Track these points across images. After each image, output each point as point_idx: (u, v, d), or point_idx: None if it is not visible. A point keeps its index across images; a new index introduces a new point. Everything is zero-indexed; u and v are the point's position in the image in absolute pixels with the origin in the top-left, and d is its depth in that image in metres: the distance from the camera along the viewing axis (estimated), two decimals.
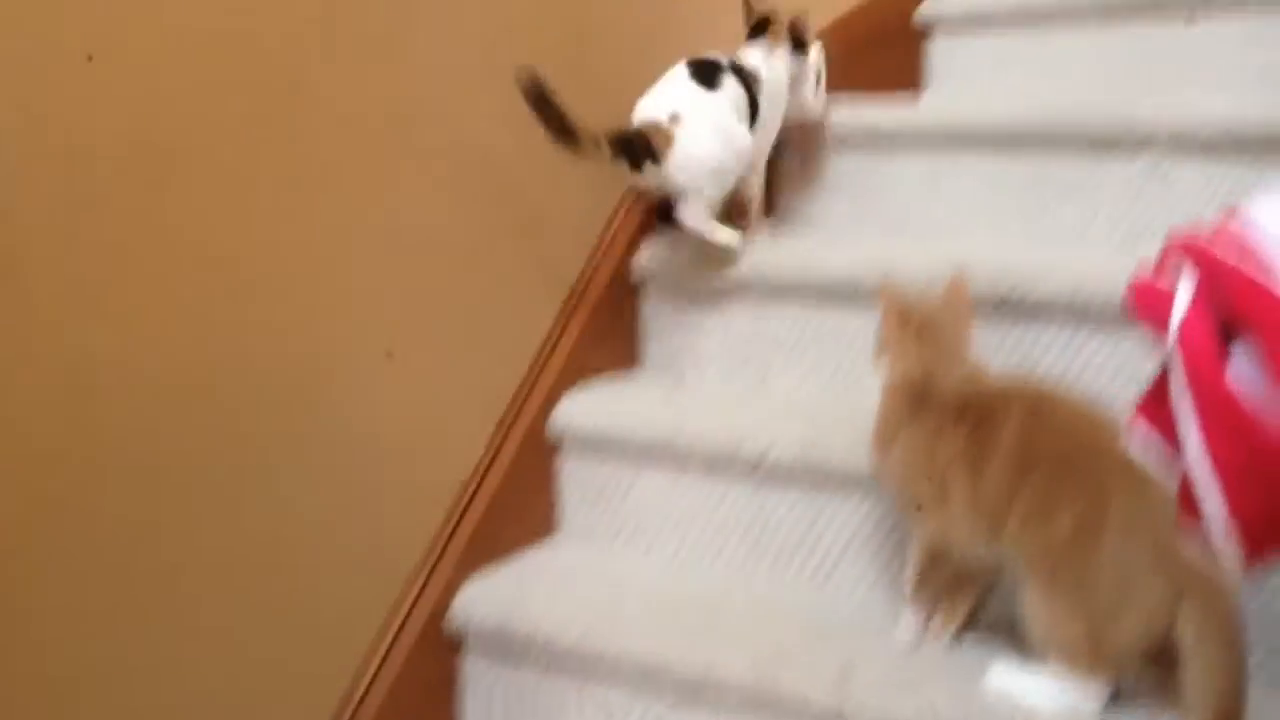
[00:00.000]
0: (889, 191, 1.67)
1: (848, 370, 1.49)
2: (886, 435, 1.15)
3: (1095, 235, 1.51)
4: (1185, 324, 0.57)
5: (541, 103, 1.26)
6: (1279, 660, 1.09)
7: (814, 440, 1.32)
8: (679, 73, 1.43)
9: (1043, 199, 1.54)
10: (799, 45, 1.58)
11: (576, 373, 1.54)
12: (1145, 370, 1.21)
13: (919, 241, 1.59)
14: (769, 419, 1.40)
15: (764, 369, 1.54)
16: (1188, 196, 1.44)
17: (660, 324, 1.62)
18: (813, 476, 1.31)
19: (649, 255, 1.61)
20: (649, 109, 1.40)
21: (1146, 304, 0.62)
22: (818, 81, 1.63)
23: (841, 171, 1.71)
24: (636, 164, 1.37)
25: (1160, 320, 0.60)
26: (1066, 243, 1.52)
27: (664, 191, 1.42)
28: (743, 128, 1.45)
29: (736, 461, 1.35)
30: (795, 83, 1.60)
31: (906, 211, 1.65)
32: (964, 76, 2.00)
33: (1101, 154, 1.50)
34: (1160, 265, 0.61)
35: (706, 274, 1.54)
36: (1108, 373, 1.30)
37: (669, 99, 1.40)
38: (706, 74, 1.43)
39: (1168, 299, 0.60)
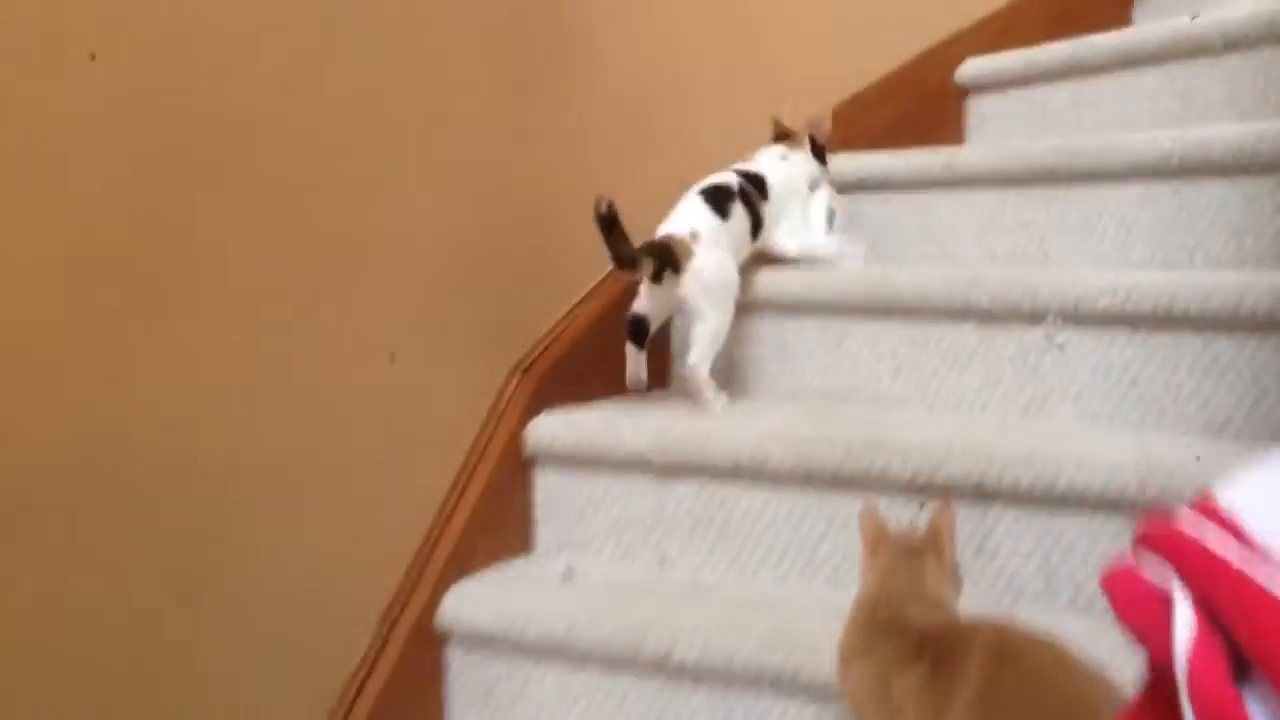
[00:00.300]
0: (794, 353, 1.63)
1: (752, 553, 1.40)
2: (848, 652, 1.09)
3: (994, 403, 1.48)
4: (1195, 660, 0.48)
5: (610, 228, 1.41)
6: None
7: (721, 633, 1.24)
8: (693, 199, 1.55)
9: (944, 365, 1.51)
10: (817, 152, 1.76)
11: (466, 558, 1.45)
12: (1085, 547, 1.27)
13: (824, 412, 1.53)
14: (672, 608, 1.32)
15: (664, 550, 1.45)
16: (1084, 368, 1.44)
17: (555, 503, 1.55)
18: (721, 675, 1.23)
19: (543, 428, 1.52)
20: (672, 227, 1.51)
21: (1132, 605, 0.53)
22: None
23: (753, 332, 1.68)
24: (658, 274, 1.47)
25: (1149, 625, 0.50)
26: (967, 409, 1.50)
27: (670, 305, 1.52)
28: (742, 254, 1.59)
29: (638, 661, 1.26)
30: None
31: (809, 378, 1.61)
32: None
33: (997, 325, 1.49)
34: (1135, 552, 0.52)
35: (602, 448, 1.47)
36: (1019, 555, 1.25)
37: (688, 219, 1.51)
38: (719, 201, 1.55)
39: (1155, 600, 0.51)
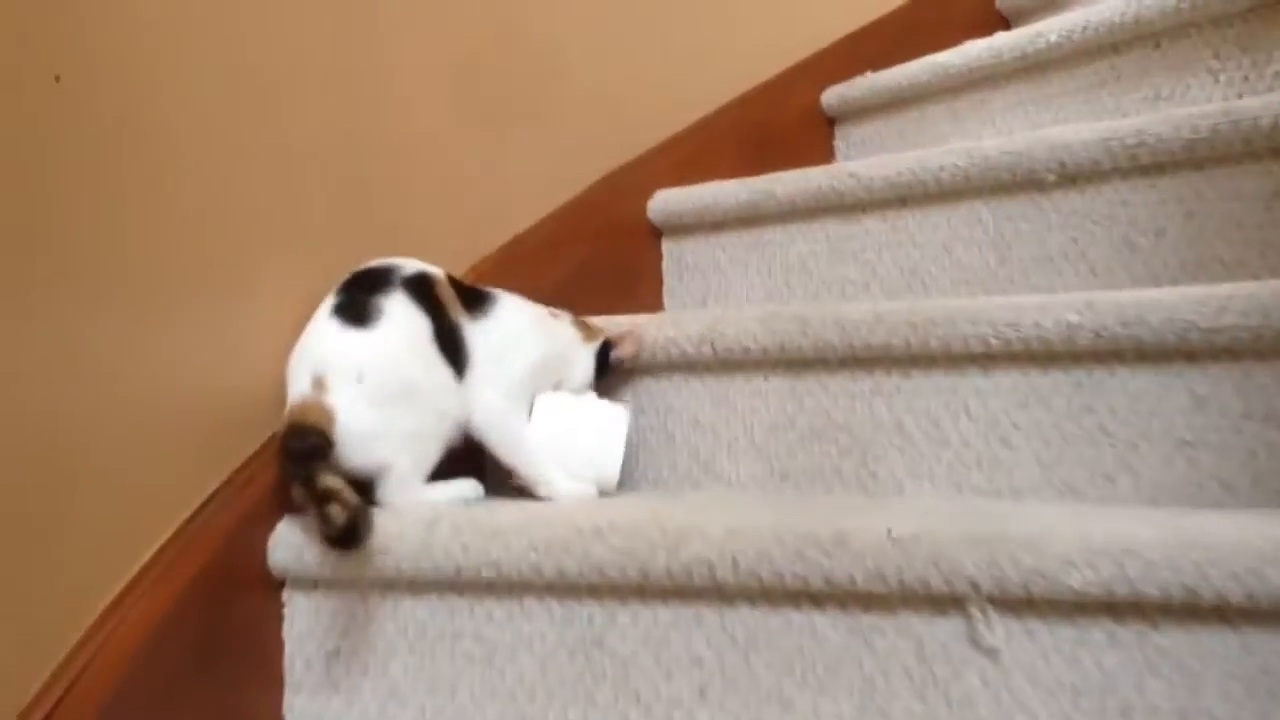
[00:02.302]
0: None
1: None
2: None
3: None
4: None
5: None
6: None
7: None
8: (323, 307, 1.10)
9: None
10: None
11: None
12: None
13: None
14: None
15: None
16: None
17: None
18: None
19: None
20: (292, 376, 1.07)
21: None
22: None
23: None
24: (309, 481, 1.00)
25: None
26: None
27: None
28: (429, 374, 1.10)
29: None
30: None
31: None
32: None
33: None
34: None
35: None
36: None
37: (310, 357, 1.07)
38: (355, 306, 1.08)
39: None
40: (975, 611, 0.89)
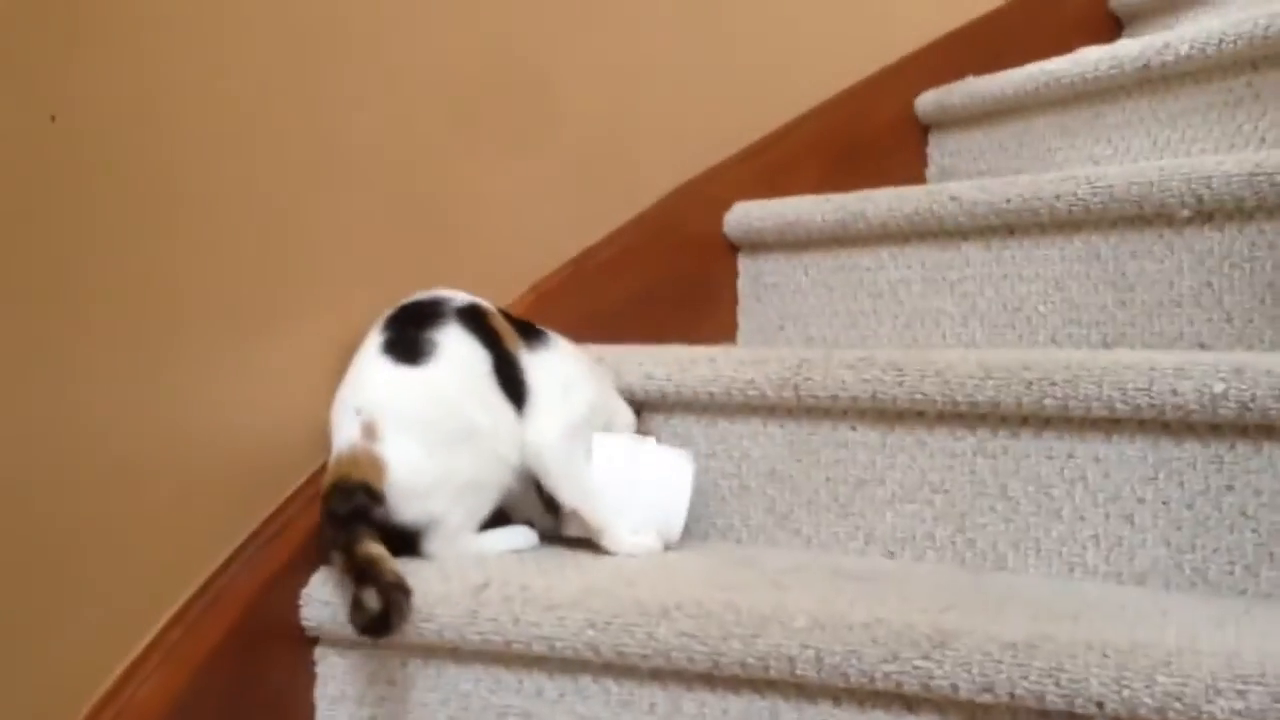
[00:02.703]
0: None
1: None
2: None
3: None
4: None
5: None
6: None
7: None
8: (370, 345, 0.99)
9: None
10: None
11: None
12: None
13: None
14: None
15: None
16: None
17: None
18: None
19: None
20: (338, 421, 0.97)
21: None
22: None
23: None
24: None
25: None
26: None
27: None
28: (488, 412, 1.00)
29: None
30: None
31: None
32: None
33: None
34: None
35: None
36: None
37: (359, 395, 0.97)
38: (406, 341, 0.98)
39: None
40: None
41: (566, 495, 1.03)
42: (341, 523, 0.91)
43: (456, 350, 0.99)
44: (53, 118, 0.84)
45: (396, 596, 0.86)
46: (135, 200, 0.89)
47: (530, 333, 1.07)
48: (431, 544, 0.98)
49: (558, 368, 1.06)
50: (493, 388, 1.01)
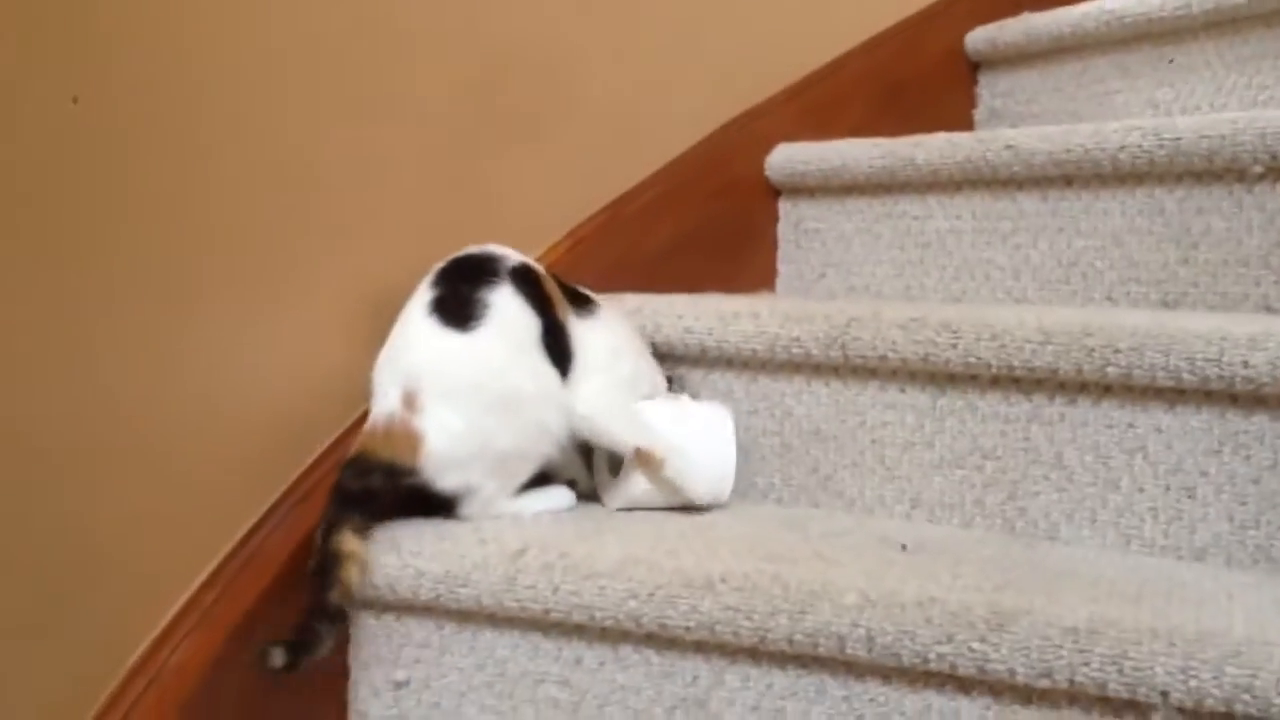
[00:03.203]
0: None
1: None
2: None
3: None
4: None
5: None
6: None
7: None
8: (418, 301, 0.95)
9: None
10: None
11: None
12: None
13: None
14: None
15: None
16: None
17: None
18: None
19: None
20: (380, 386, 0.93)
21: None
22: None
23: None
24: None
25: None
26: None
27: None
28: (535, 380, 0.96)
29: None
30: None
31: None
32: None
33: None
34: None
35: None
36: None
37: (403, 359, 0.93)
38: (456, 301, 0.94)
39: None
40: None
41: (625, 436, 1.00)
42: (341, 500, 0.89)
43: (507, 313, 0.95)
44: (75, 99, 0.82)
45: (316, 629, 0.83)
46: (157, 168, 0.86)
47: (579, 299, 1.03)
48: (467, 508, 0.95)
49: (605, 336, 1.03)
50: (540, 355, 0.97)
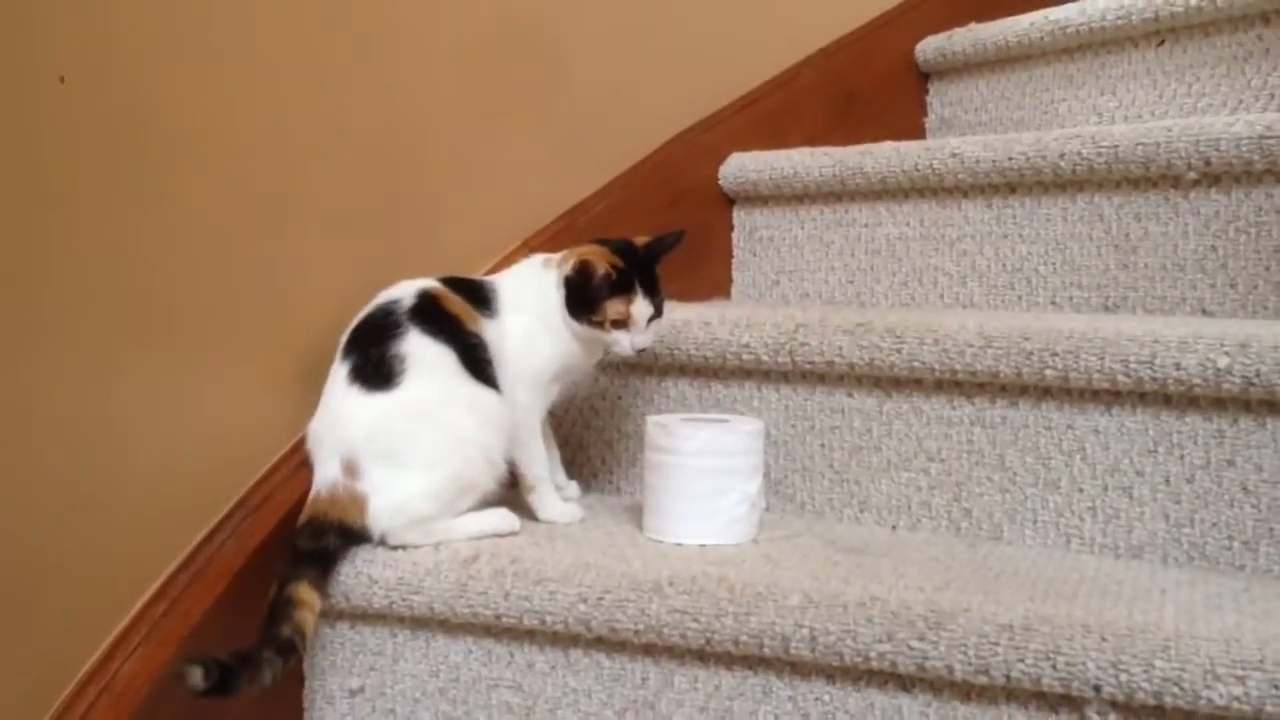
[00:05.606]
0: None
1: None
2: None
3: None
4: None
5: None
6: None
7: None
8: (338, 373, 0.97)
9: None
10: None
11: None
12: None
13: None
14: None
15: None
16: None
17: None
18: None
19: None
20: (317, 455, 0.96)
21: None
22: None
23: None
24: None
25: None
26: None
27: None
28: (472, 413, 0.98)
29: None
30: None
31: None
32: None
33: None
34: None
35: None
36: None
37: (335, 433, 0.95)
38: (371, 365, 0.95)
39: None
40: (1094, 717, 0.76)
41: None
42: (295, 558, 0.91)
43: (424, 357, 0.96)
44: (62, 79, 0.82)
45: (263, 656, 0.84)
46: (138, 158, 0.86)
47: (481, 297, 1.02)
48: (408, 536, 0.96)
49: (515, 328, 1.02)
50: (466, 380, 0.97)
